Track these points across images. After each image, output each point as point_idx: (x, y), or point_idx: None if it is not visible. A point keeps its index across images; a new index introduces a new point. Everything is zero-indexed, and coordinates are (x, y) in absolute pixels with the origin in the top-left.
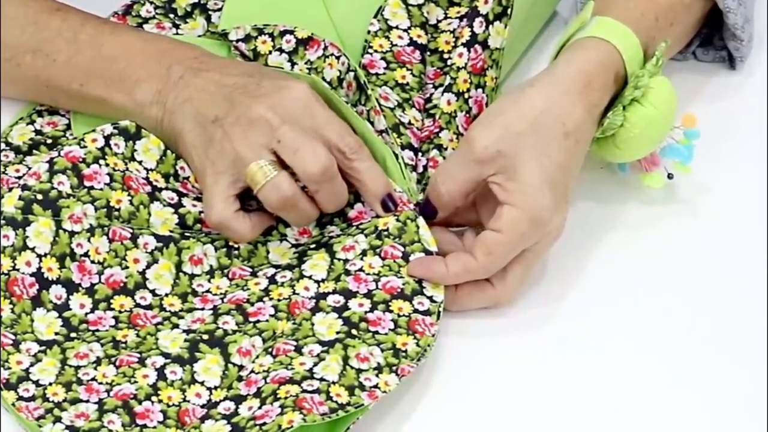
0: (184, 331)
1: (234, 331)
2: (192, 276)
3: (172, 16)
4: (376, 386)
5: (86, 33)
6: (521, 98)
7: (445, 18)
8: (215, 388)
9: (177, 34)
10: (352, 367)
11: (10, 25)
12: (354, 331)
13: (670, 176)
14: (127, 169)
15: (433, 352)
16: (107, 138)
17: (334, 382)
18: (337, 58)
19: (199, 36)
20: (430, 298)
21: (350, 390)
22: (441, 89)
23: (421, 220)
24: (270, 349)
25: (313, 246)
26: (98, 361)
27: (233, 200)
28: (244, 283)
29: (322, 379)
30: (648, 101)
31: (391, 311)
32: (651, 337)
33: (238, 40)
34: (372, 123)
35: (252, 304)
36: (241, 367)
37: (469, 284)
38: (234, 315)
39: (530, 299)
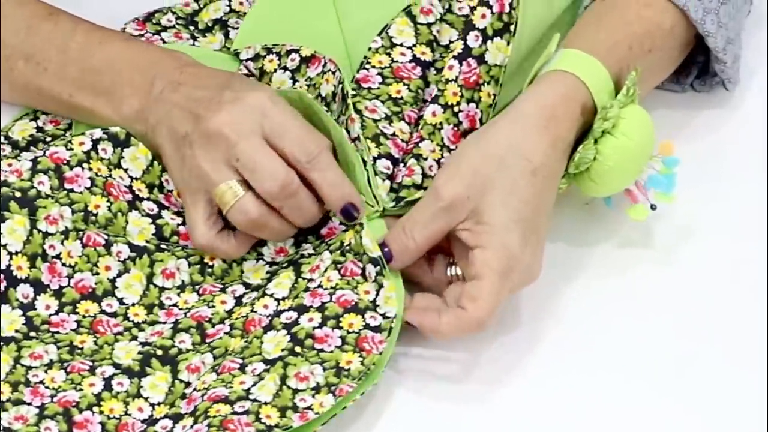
0: (141, 343)
1: (188, 350)
2: (162, 289)
3: (192, 28)
4: (309, 407)
5: (76, 42)
6: (484, 139)
7: (458, 40)
8: (158, 404)
9: (194, 45)
10: (288, 387)
11: (5, 27)
12: (298, 349)
13: (653, 207)
14: (110, 175)
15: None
16: (95, 142)
17: (266, 403)
18: (333, 73)
19: (216, 50)
20: (383, 315)
21: (282, 411)
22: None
23: (363, 229)
24: (216, 367)
25: (285, 264)
26: (50, 365)
27: (214, 220)
28: (211, 299)
29: (255, 400)
30: (620, 132)
31: (341, 327)
32: (627, 382)
33: (247, 59)
34: (348, 131)
35: (213, 326)
36: (187, 384)
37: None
38: (192, 334)
39: (504, 343)
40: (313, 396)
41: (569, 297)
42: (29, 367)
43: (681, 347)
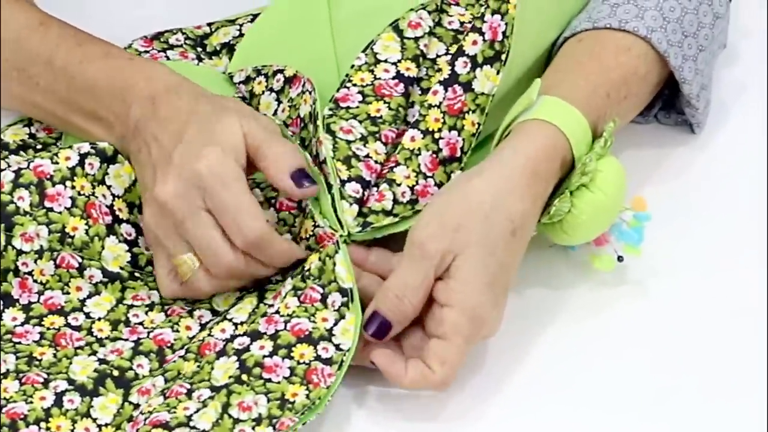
0: (99, 360)
1: (144, 376)
2: (130, 306)
3: (199, 49)
4: None
5: (60, 59)
6: (469, 191)
7: (446, 54)
8: (105, 425)
9: (197, 65)
10: (230, 416)
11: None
12: (245, 377)
13: (620, 259)
14: (93, 193)
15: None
16: (82, 156)
17: (205, 430)
18: (310, 93)
19: (221, 73)
20: (337, 346)
21: None
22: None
23: (339, 256)
24: (165, 390)
25: (251, 290)
26: (6, 374)
27: (175, 274)
28: (177, 320)
29: (194, 427)
30: (596, 186)
31: (292, 357)
32: (607, 420)
33: (240, 82)
34: (317, 153)
35: (173, 352)
36: (136, 406)
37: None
38: (152, 359)
39: (471, 386)
40: (253, 428)
41: (544, 341)
42: None
43: (659, 383)
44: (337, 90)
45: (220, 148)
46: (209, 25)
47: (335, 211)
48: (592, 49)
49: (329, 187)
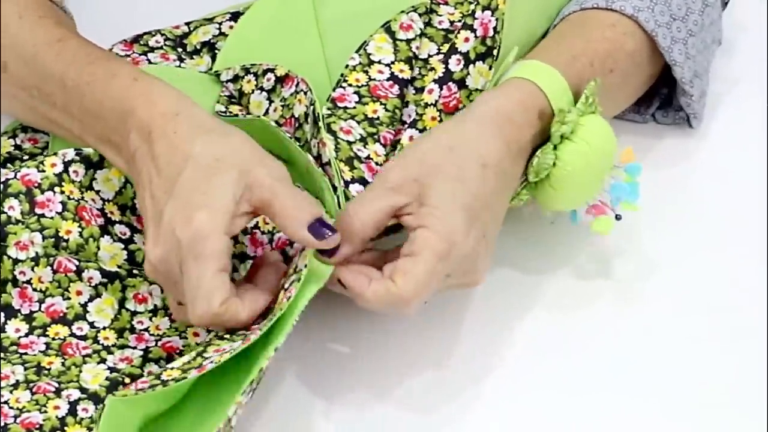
0: (109, 368)
1: None
2: (134, 313)
3: (179, 50)
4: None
5: (71, 79)
6: (437, 132)
7: (438, 53)
8: None
9: (179, 67)
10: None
11: (19, 53)
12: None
13: (617, 217)
14: (83, 198)
15: None
16: (67, 164)
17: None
18: (305, 93)
19: (201, 72)
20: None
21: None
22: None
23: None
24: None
25: None
26: (16, 385)
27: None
28: (184, 328)
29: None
30: (579, 137)
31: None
32: (580, 414)
33: (227, 81)
34: (320, 155)
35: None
36: None
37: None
38: (162, 365)
39: (453, 374)
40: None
41: (532, 332)
42: None
43: (648, 373)
44: (333, 89)
45: (206, 214)
46: (187, 24)
47: None
48: (576, 24)
49: (334, 188)
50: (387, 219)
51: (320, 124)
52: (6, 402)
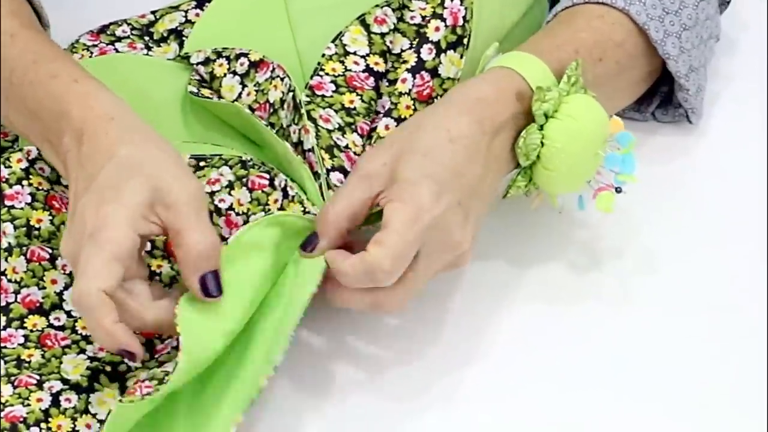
0: (89, 358)
1: (137, 368)
2: None
3: (146, 38)
4: None
5: (16, 77)
6: (407, 121)
7: (410, 48)
8: (105, 419)
9: (148, 55)
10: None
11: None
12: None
13: (618, 190)
14: (52, 188)
15: None
16: (32, 162)
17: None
18: (282, 79)
19: (169, 59)
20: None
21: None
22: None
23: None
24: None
25: None
26: None
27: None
28: None
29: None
30: (563, 114)
31: None
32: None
33: (198, 63)
34: (302, 142)
35: (162, 341)
36: None
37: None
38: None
39: (444, 365)
40: None
41: (512, 322)
42: None
43: (645, 368)
44: (311, 77)
45: (113, 206)
46: (153, 13)
47: (323, 200)
48: (564, 19)
49: (316, 176)
50: (363, 208)
51: (302, 110)
52: None
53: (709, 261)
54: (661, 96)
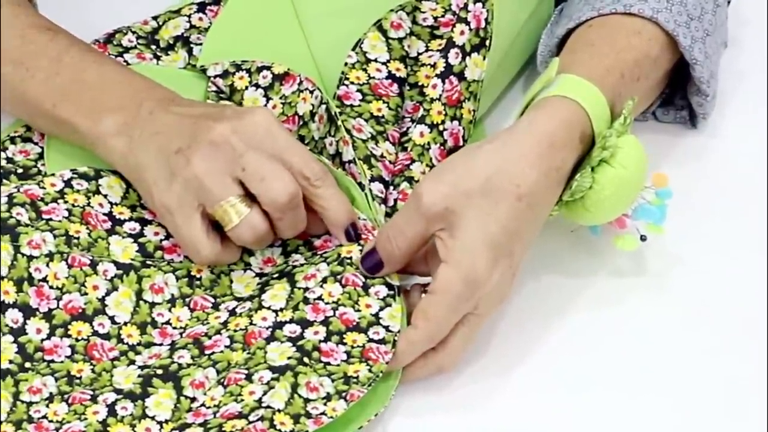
0: (139, 367)
1: (188, 365)
2: (152, 304)
3: (153, 47)
4: (323, 413)
5: (70, 56)
6: (475, 156)
7: (426, 51)
8: (165, 421)
9: (158, 65)
10: (300, 396)
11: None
12: (306, 359)
13: (643, 238)
14: (89, 203)
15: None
16: (67, 182)
17: (279, 410)
18: (311, 92)
19: (180, 68)
20: (386, 327)
21: (295, 418)
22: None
23: None
24: (222, 380)
25: (276, 275)
26: (51, 398)
27: (214, 235)
28: (205, 317)
29: (268, 407)
30: (617, 162)
31: (345, 344)
32: (623, 414)
33: (216, 76)
34: (340, 153)
35: (209, 338)
36: (193, 399)
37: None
38: (190, 349)
39: (480, 373)
40: (325, 403)
41: (559, 328)
42: (30, 403)
43: (675, 374)
44: (337, 87)
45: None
46: (155, 18)
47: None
48: (602, 32)
49: (361, 187)
50: (423, 243)
51: (339, 122)
52: (45, 416)
53: (717, 261)
54: (662, 96)
